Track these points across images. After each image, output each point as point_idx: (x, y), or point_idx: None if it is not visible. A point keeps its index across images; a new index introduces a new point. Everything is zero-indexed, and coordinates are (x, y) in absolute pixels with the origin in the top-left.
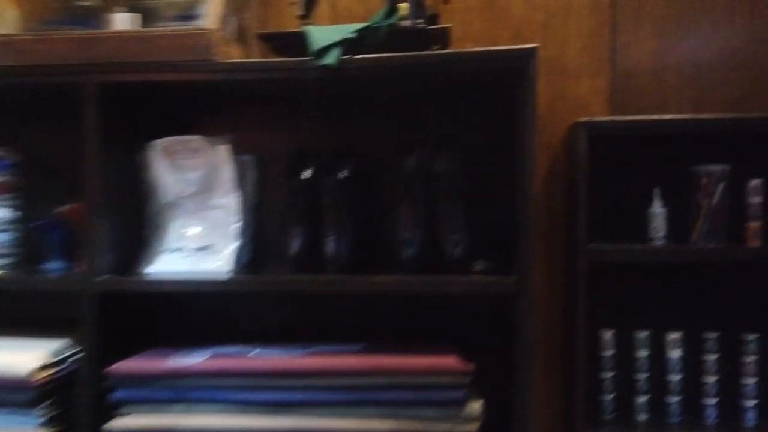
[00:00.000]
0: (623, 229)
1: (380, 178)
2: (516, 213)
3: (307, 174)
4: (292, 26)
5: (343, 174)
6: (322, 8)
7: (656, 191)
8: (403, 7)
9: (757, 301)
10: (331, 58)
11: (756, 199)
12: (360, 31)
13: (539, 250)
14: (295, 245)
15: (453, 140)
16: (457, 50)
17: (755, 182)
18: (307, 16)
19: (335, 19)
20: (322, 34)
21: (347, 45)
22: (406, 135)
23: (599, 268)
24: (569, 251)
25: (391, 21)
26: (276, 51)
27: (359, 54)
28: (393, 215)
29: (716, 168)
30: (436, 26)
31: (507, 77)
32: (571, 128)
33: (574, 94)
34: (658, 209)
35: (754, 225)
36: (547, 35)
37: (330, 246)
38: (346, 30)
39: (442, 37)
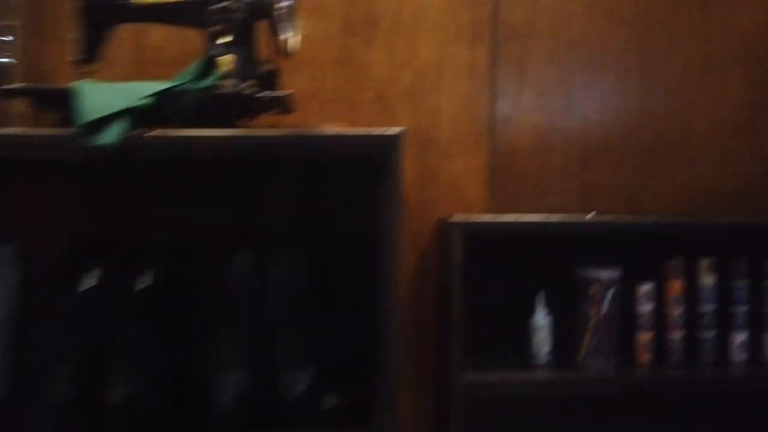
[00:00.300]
0: (504, 343)
1: (197, 288)
2: (376, 330)
3: (89, 281)
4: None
5: (143, 282)
6: (125, 47)
7: (540, 297)
8: (226, 61)
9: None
10: (109, 136)
11: (647, 306)
12: (160, 95)
13: (406, 374)
14: (62, 387)
15: (298, 235)
16: (294, 131)
17: (646, 287)
18: (90, 59)
19: (141, 63)
20: (100, 97)
21: (138, 114)
22: (235, 225)
23: (476, 402)
24: (441, 378)
25: (207, 83)
26: (41, 107)
27: (157, 125)
28: (211, 344)
29: (605, 273)
30: (271, 93)
31: (366, 163)
32: (443, 226)
33: (447, 175)
34: (541, 319)
35: (645, 336)
36: (415, 101)
37: (116, 391)
38: (137, 92)
39: (281, 103)
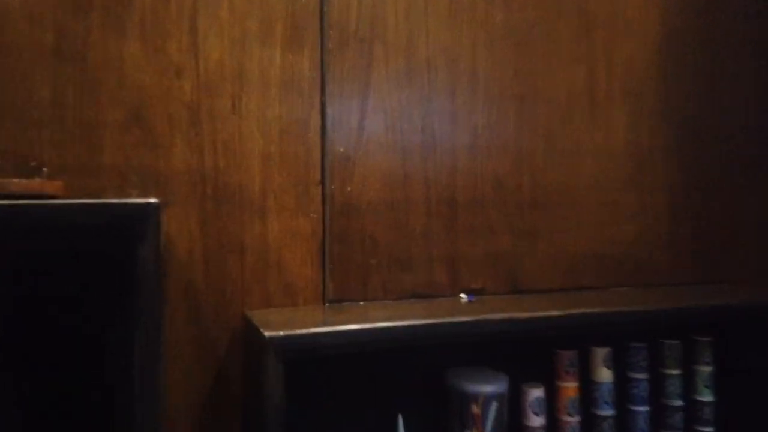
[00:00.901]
0: None
1: None
2: None
3: None
4: None
5: None
6: None
7: (400, 421)
8: None
9: None
10: None
11: (537, 421)
12: None
13: None
14: None
15: None
16: None
17: (536, 393)
18: None
19: None
20: None
21: None
22: None
23: None
24: None
25: None
26: None
27: None
28: None
29: (488, 386)
30: None
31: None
32: (251, 335)
33: (257, 245)
34: None
35: None
36: (199, 127)
37: None
38: None
39: None
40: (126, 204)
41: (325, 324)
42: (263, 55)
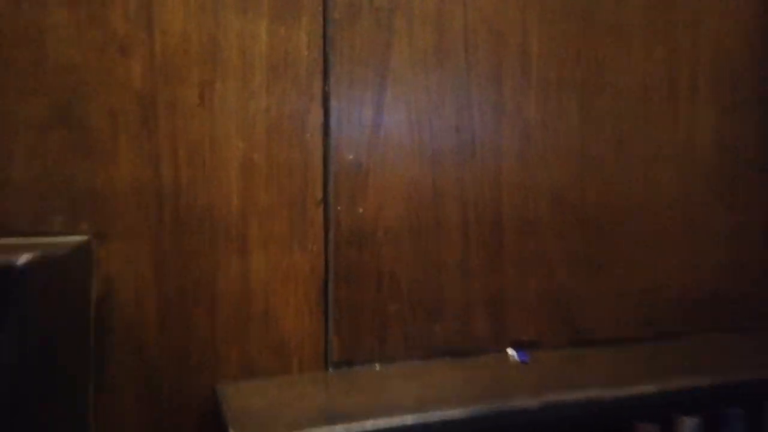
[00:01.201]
0: None
1: None
2: None
3: None
4: None
5: None
6: None
7: None
8: None
9: None
10: None
11: None
12: None
13: None
14: None
15: None
16: None
17: None
18: None
19: None
20: None
21: None
22: None
23: None
24: None
25: None
26: None
27: None
28: None
29: None
30: None
31: None
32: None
33: (235, 288)
34: None
35: None
36: (151, 113)
37: None
38: None
39: None
40: None
41: (326, 419)
42: (244, 27)
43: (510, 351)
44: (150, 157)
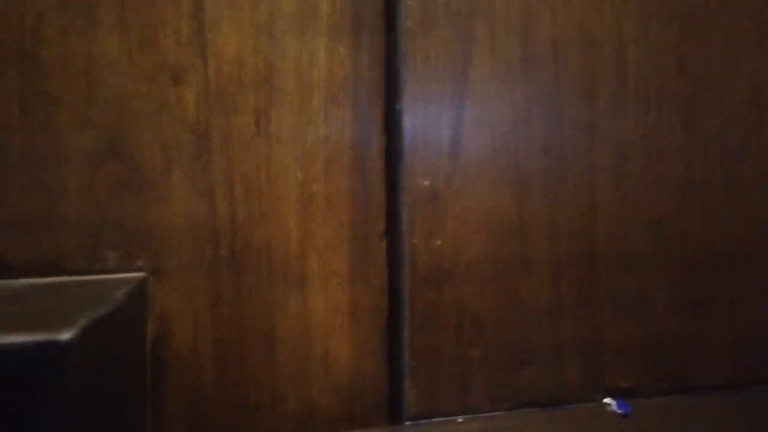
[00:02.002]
0: None
1: None
2: None
3: None
4: None
5: None
6: None
7: None
8: None
9: None
10: None
11: None
12: None
13: None
14: None
15: None
16: None
17: None
18: None
19: None
20: None
21: None
22: None
23: None
24: None
25: None
26: None
27: None
28: None
29: None
30: None
31: None
32: None
33: (291, 331)
34: None
35: None
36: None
37: None
38: None
39: None
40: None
41: None
42: (301, 48)
43: (608, 401)
44: (205, 191)
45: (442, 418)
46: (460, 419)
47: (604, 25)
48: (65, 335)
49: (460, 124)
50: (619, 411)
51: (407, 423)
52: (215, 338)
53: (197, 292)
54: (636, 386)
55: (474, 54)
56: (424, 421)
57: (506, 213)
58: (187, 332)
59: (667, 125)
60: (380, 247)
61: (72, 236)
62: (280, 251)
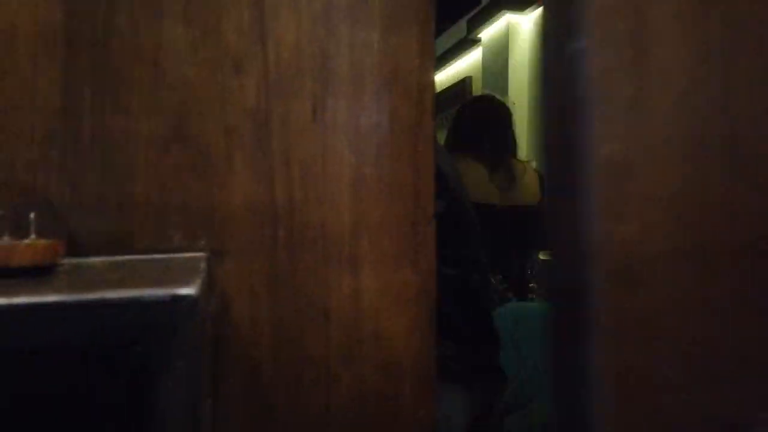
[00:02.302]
0: None
1: None
2: None
3: None
4: None
5: None
6: None
7: None
8: None
9: None
10: None
11: None
12: None
13: None
14: None
15: None
16: None
17: None
18: None
19: None
20: None
21: None
22: None
23: None
24: None
25: None
26: None
27: None
28: None
29: None
30: None
31: None
32: None
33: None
34: None
35: None
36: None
37: None
38: None
39: None
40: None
41: None
42: (355, 36)
43: None
44: (264, 175)
45: None
46: None
47: None
48: (192, 289)
49: (640, 79)
50: None
51: None
52: (272, 317)
53: (256, 272)
54: None
55: None
56: None
57: (688, 192)
58: (245, 310)
59: None
60: (429, 231)
61: (139, 216)
62: (334, 233)
